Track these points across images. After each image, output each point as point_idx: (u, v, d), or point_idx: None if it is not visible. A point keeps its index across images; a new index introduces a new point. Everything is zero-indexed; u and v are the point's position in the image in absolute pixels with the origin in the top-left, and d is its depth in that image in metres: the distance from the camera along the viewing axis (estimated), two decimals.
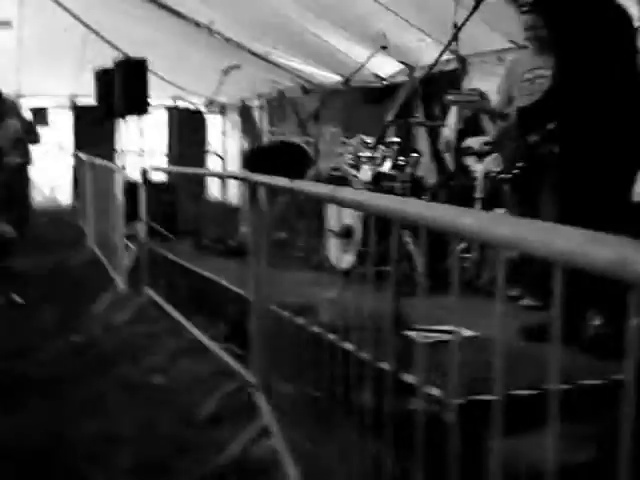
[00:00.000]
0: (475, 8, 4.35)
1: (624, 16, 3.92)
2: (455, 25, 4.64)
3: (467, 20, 4.27)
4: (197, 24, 10.15)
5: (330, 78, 10.29)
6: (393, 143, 6.18)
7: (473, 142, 5.74)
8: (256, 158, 7.99)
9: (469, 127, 6.42)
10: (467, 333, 3.99)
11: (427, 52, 7.36)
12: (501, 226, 1.22)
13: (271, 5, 8.60)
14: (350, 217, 5.72)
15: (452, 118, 6.55)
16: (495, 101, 5.42)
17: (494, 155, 5.40)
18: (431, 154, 7.04)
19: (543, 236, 1.10)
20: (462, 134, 6.63)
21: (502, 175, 5.17)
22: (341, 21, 8.55)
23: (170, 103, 12.44)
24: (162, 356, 4.97)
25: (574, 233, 1.05)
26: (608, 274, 0.97)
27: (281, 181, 3.08)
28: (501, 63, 7.46)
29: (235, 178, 5.84)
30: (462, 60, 7.78)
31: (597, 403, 3.04)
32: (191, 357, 4.89)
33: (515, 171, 5.09)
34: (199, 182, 11.63)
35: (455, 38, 4.70)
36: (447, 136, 6.44)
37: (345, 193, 2.09)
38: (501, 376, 1.20)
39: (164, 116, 12.73)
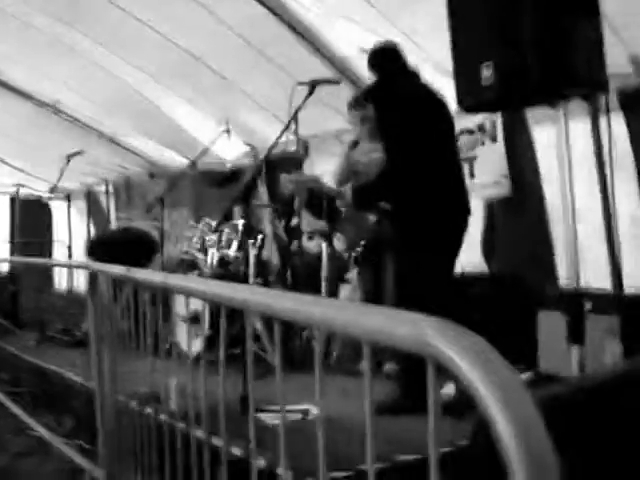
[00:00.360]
0: (310, 93, 4.51)
1: (443, 107, 4.22)
2: (295, 109, 4.79)
3: (301, 106, 4.40)
4: (42, 103, 9.95)
5: (177, 161, 10.31)
6: (238, 225, 6.23)
7: (314, 223, 5.88)
8: (100, 246, 7.86)
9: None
10: (317, 412, 4.01)
11: (273, 133, 7.55)
12: (313, 307, 1.26)
13: (119, 78, 8.55)
14: (198, 302, 5.68)
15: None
16: (334, 181, 5.63)
17: (337, 235, 5.56)
18: (273, 235, 7.13)
19: (351, 316, 1.14)
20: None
21: (346, 253, 5.37)
22: (189, 97, 8.62)
23: (12, 189, 12.11)
24: (4, 457, 4.71)
25: (378, 312, 1.10)
26: (408, 349, 1.02)
27: (118, 269, 3.04)
28: (340, 144, 7.73)
29: (73, 267, 5.72)
30: (303, 142, 8.00)
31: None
32: (36, 456, 4.66)
33: (358, 249, 5.29)
34: (44, 272, 11.28)
35: (293, 120, 4.85)
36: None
37: (176, 281, 2.09)
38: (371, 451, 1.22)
39: (6, 203, 12.37)
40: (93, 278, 3.70)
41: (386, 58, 4.51)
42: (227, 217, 6.17)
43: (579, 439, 1.65)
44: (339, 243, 5.55)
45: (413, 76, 4.42)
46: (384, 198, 4.43)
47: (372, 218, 5.17)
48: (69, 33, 7.75)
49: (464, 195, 4.37)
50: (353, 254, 5.42)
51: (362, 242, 5.32)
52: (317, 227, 6.09)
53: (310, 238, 6.44)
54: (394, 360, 4.97)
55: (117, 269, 3.09)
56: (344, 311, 1.18)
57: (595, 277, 5.43)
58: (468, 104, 3.34)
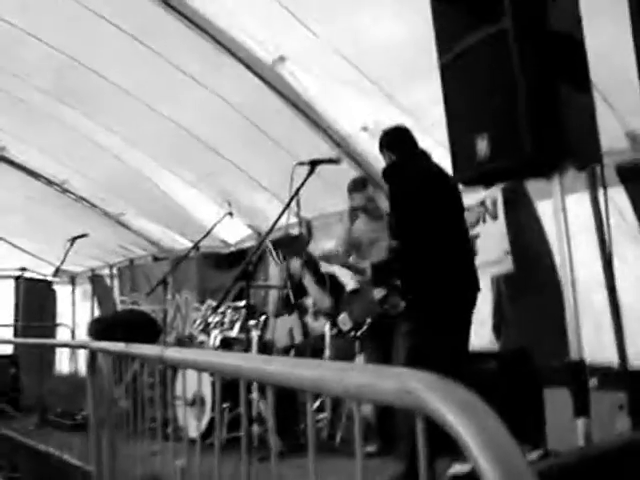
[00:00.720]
0: (310, 173, 4.55)
1: (454, 187, 4.39)
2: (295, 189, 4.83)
3: (301, 186, 4.43)
4: (50, 182, 10.08)
5: (181, 243, 10.37)
6: (240, 307, 6.23)
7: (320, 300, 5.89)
8: (102, 326, 7.83)
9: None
10: None
11: (275, 214, 7.62)
12: (303, 369, 1.25)
13: (123, 160, 8.67)
14: (201, 385, 5.64)
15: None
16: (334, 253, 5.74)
17: (340, 317, 5.57)
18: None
19: (338, 375, 1.13)
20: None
21: (352, 332, 5.38)
22: (191, 178, 8.72)
23: (17, 272, 12.18)
24: None
25: (363, 369, 1.09)
26: (394, 403, 1.01)
27: (117, 346, 3.03)
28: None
29: (72, 346, 5.70)
30: (306, 223, 8.06)
31: None
32: None
33: (365, 327, 5.29)
34: (46, 354, 11.23)
35: (295, 201, 4.88)
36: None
37: (172, 353, 2.08)
38: None
39: (11, 285, 12.42)
40: (92, 357, 3.67)
41: (397, 140, 4.66)
42: (230, 298, 6.18)
43: None
44: (344, 324, 5.54)
45: (424, 156, 4.59)
46: (398, 275, 4.50)
47: (377, 295, 5.18)
48: (76, 116, 7.91)
49: (474, 272, 4.45)
50: (358, 334, 5.40)
51: (368, 320, 5.31)
52: (323, 305, 6.12)
53: (315, 318, 6.45)
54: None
55: (116, 346, 3.08)
56: (331, 371, 1.17)
57: (601, 351, 5.40)
58: (464, 177, 3.36)
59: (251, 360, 1.48)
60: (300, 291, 6.72)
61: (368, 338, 5.41)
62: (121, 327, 7.63)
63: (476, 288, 4.40)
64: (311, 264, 6.62)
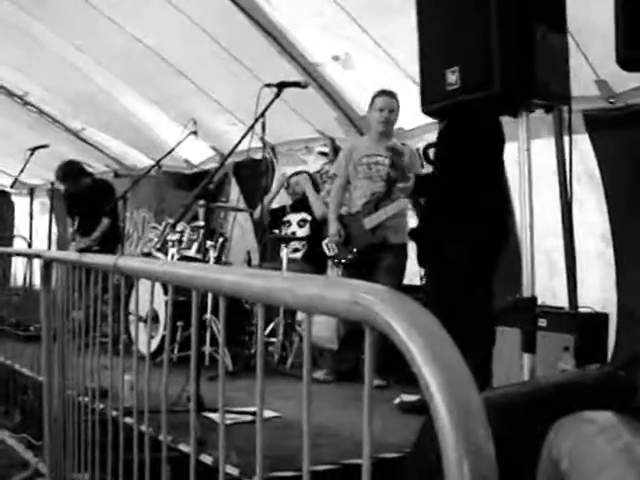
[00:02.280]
0: (277, 95, 4.49)
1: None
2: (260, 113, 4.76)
3: (268, 108, 4.38)
4: (10, 93, 9.87)
5: (142, 161, 10.25)
6: (199, 227, 6.19)
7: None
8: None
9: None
10: (269, 414, 4.00)
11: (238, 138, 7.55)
12: (253, 279, 1.26)
13: (88, 76, 8.50)
14: (156, 301, 5.64)
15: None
16: (335, 183, 5.71)
17: (326, 240, 5.57)
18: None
19: (289, 285, 1.13)
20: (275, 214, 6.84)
21: (337, 260, 5.40)
22: (156, 97, 8.58)
23: None
24: None
25: (315, 280, 1.09)
26: (344, 315, 1.01)
27: (72, 255, 3.00)
28: (308, 152, 7.74)
29: (24, 255, 5.66)
30: (271, 148, 8.01)
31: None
32: None
33: (349, 256, 5.31)
34: (1, 265, 11.12)
35: (260, 125, 4.82)
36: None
37: (126, 262, 2.06)
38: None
39: None
40: (46, 266, 3.63)
41: None
42: (188, 217, 6.14)
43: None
44: (329, 249, 5.56)
45: None
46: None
47: (369, 225, 5.22)
48: (41, 29, 7.71)
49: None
50: (343, 260, 5.42)
51: (354, 250, 5.33)
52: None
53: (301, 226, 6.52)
54: (380, 376, 5.00)
55: (71, 255, 3.05)
56: (283, 281, 1.17)
57: (553, 295, 5.50)
58: (431, 109, 3.35)
59: (205, 270, 1.47)
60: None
61: (350, 267, 5.42)
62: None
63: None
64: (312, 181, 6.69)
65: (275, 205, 6.91)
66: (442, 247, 4.33)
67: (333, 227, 5.45)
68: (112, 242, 7.38)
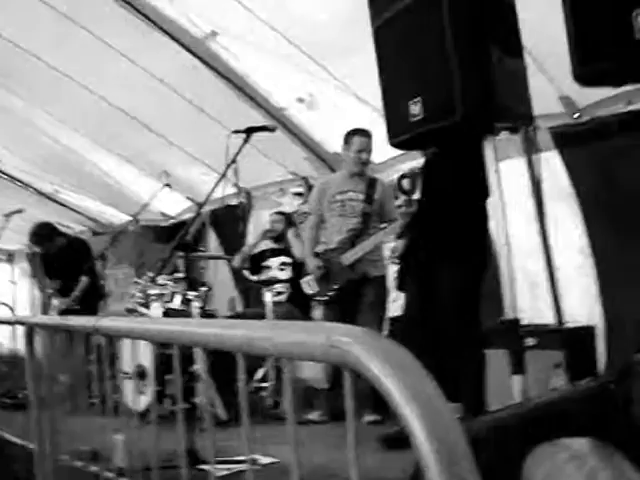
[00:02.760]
0: (246, 141, 4.53)
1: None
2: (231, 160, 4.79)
3: (238, 154, 4.41)
4: None
5: (119, 218, 10.25)
6: (181, 278, 6.17)
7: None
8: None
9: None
10: (265, 460, 3.96)
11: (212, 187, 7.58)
12: (234, 330, 1.26)
13: (56, 138, 8.51)
14: (144, 357, 5.60)
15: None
16: (309, 221, 5.71)
17: (306, 278, 5.56)
18: None
19: (267, 333, 1.13)
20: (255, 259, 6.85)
21: (318, 297, 5.39)
22: (125, 153, 8.60)
23: None
24: None
25: (293, 326, 1.10)
26: (322, 359, 1.01)
27: (53, 319, 2.99)
28: (284, 194, 7.78)
29: (6, 323, 5.62)
30: (246, 193, 8.03)
31: None
32: None
33: (330, 293, 5.31)
34: None
35: (233, 171, 4.84)
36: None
37: (106, 323, 2.06)
38: None
39: None
40: (29, 332, 3.61)
41: None
42: (169, 269, 6.12)
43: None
44: (309, 287, 5.55)
45: None
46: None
47: (346, 262, 5.22)
48: (5, 95, 7.72)
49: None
50: (323, 299, 5.42)
51: (334, 286, 5.32)
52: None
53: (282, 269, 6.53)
54: (374, 411, 4.98)
55: (53, 320, 3.04)
56: (261, 329, 1.17)
57: (538, 312, 5.52)
58: (397, 141, 3.38)
59: (184, 324, 1.48)
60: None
61: (331, 304, 5.41)
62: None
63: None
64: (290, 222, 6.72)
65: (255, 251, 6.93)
66: (431, 271, 4.38)
67: (311, 263, 5.44)
68: (93, 300, 7.35)
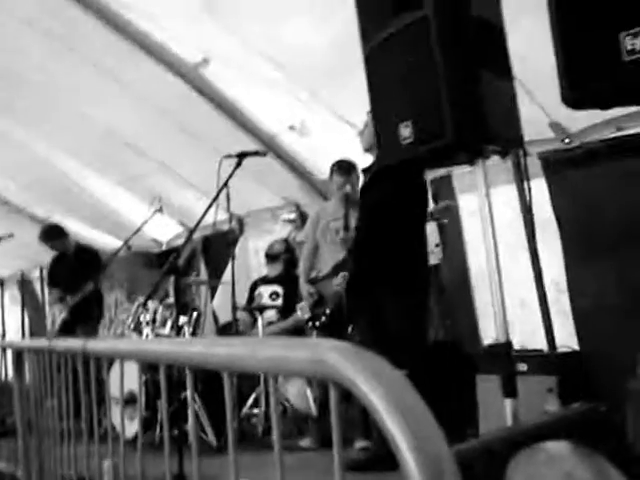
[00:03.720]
0: (237, 165, 4.54)
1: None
2: (223, 184, 4.79)
3: (230, 178, 4.42)
4: None
5: (110, 243, 10.22)
6: (171, 304, 6.16)
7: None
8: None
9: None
10: None
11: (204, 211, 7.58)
12: (218, 348, 1.24)
13: (49, 162, 8.50)
14: (134, 384, 5.56)
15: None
16: (304, 250, 5.77)
17: (300, 304, 5.59)
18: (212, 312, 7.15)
19: (252, 350, 1.12)
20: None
21: (312, 322, 5.38)
22: (118, 178, 8.59)
23: None
24: None
25: (277, 342, 1.09)
26: (307, 374, 1.00)
27: (41, 342, 2.97)
28: (275, 221, 7.78)
29: None
30: (238, 219, 8.03)
31: None
32: None
33: (323, 318, 5.30)
34: None
35: (224, 196, 4.84)
36: None
37: (94, 344, 2.04)
38: None
39: None
40: (18, 357, 3.59)
41: None
42: (160, 294, 6.10)
43: None
44: (303, 312, 5.57)
45: None
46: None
47: (337, 286, 5.22)
48: None
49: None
50: (317, 324, 5.41)
51: (327, 311, 5.31)
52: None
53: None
54: (365, 436, 4.95)
55: (40, 342, 3.02)
56: (245, 346, 1.16)
57: (531, 338, 5.52)
58: (388, 164, 3.38)
59: (170, 343, 1.47)
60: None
61: (326, 329, 5.40)
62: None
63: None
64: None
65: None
66: (375, 298, 4.48)
67: (305, 290, 5.46)
68: (93, 312, 7.40)
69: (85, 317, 7.32)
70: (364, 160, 4.87)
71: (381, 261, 4.41)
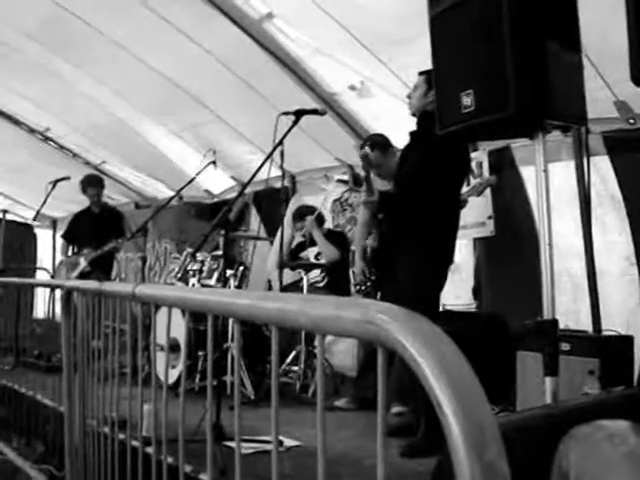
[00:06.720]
0: (295, 123, 4.52)
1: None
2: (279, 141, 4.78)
3: (286, 135, 4.40)
4: (31, 130, 10.02)
5: (163, 192, 10.32)
6: (219, 256, 6.21)
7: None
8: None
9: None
10: (290, 443, 3.97)
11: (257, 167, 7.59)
12: (267, 302, 1.25)
13: (107, 109, 8.59)
14: (178, 332, 5.64)
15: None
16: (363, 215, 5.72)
17: (354, 267, 5.61)
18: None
19: (301, 306, 1.13)
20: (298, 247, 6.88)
21: (358, 286, 5.39)
22: (175, 128, 8.65)
23: None
24: None
25: (327, 300, 1.09)
26: (357, 334, 1.00)
27: (92, 284, 3.01)
28: (328, 180, 7.76)
29: (45, 285, 5.69)
30: (290, 176, 8.04)
31: None
32: None
33: (369, 283, 5.30)
34: (24, 296, 11.17)
35: (279, 154, 4.83)
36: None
37: (143, 290, 2.07)
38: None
39: None
40: (67, 296, 3.64)
41: None
42: (210, 246, 6.15)
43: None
44: (353, 276, 5.60)
45: None
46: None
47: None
48: (61, 64, 7.81)
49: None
50: (363, 287, 5.42)
51: (372, 277, 5.31)
52: (331, 257, 6.25)
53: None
54: (401, 402, 4.97)
55: (90, 284, 3.06)
56: (295, 302, 1.17)
57: (576, 318, 5.45)
58: (447, 132, 3.34)
59: (218, 294, 1.48)
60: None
61: (373, 292, 5.41)
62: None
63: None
64: (319, 220, 6.73)
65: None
66: (395, 266, 4.47)
67: (358, 266, 5.42)
68: (108, 268, 7.56)
69: (102, 271, 7.48)
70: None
71: (409, 224, 4.37)
